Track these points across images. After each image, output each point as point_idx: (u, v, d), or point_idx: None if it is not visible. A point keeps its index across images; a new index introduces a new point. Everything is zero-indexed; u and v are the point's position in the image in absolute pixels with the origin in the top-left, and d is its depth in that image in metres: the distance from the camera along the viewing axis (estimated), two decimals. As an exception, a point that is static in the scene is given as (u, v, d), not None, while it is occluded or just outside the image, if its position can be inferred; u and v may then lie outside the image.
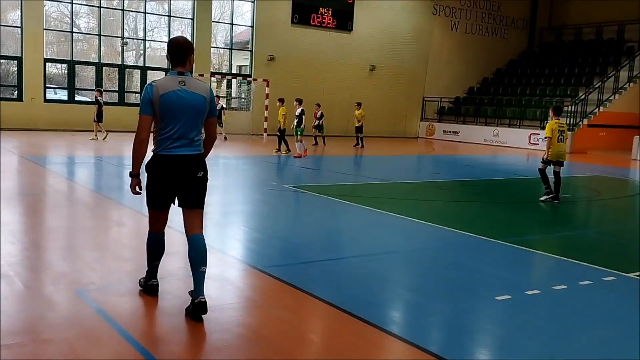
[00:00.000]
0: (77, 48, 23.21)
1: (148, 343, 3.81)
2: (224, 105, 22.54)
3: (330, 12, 26.45)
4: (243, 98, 26.33)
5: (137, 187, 4.33)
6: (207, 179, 4.35)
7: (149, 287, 4.58)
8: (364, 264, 5.94)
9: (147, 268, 4.60)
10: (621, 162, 20.15)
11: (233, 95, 27.00)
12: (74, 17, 22.88)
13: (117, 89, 23.67)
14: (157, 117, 4.18)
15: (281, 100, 17.47)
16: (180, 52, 4.26)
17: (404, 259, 6.35)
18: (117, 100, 23.17)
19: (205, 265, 4.21)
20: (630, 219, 9.98)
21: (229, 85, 26.79)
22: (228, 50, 26.53)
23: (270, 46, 25.43)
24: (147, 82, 4.56)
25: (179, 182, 4.24)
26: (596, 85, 25.57)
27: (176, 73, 4.24)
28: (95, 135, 18.38)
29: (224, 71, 26.43)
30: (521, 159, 20.34)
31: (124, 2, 23.36)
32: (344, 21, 26.93)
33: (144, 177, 4.35)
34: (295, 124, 16.60)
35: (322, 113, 20.58)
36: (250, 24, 25.53)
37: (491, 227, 8.28)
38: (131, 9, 24.02)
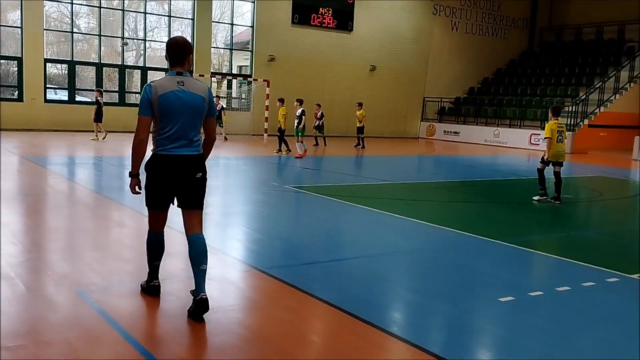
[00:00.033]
0: (77, 48, 23.21)
1: (149, 344, 3.81)
2: (225, 106, 22.54)
3: (330, 12, 26.45)
4: (243, 98, 26.32)
5: (136, 187, 4.35)
6: (206, 180, 4.35)
7: (150, 289, 4.57)
8: (365, 265, 5.94)
9: (148, 269, 4.59)
10: (622, 162, 20.14)
11: (233, 95, 26.99)
12: (74, 17, 22.88)
13: (117, 89, 23.67)
14: (156, 118, 4.19)
15: (281, 101, 17.46)
16: (178, 52, 4.26)
17: (405, 259, 6.35)
18: (117, 101, 23.18)
19: (206, 264, 4.21)
20: (632, 220, 9.97)
21: (229, 86, 26.79)
22: (228, 50, 26.52)
23: (270, 46, 25.43)
24: (147, 83, 4.55)
25: (177, 182, 4.24)
26: (597, 86, 25.55)
27: (175, 73, 4.24)
28: (96, 136, 18.39)
29: (224, 71, 26.42)
30: (522, 159, 20.33)
31: (124, 2, 23.36)
32: (344, 21, 26.92)
33: (143, 177, 4.35)
34: (296, 124, 16.60)
35: (322, 113, 20.58)
36: (250, 24, 25.52)
37: (492, 228, 8.27)
38: (131, 9, 24.02)
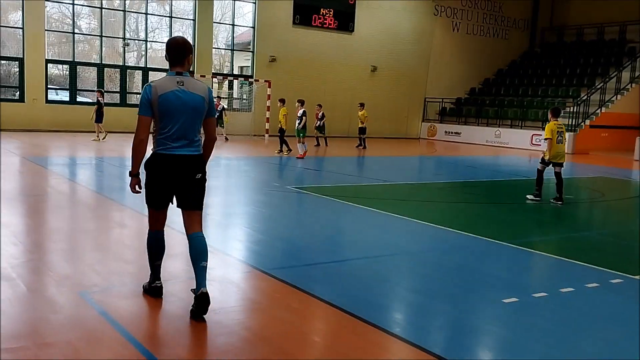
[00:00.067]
0: (79, 49, 23.21)
1: (151, 345, 3.80)
2: (226, 106, 22.53)
3: (331, 12, 26.45)
4: (244, 99, 26.33)
5: (136, 187, 4.35)
6: (205, 181, 4.35)
7: (153, 289, 4.56)
8: (367, 266, 5.92)
9: (149, 270, 4.58)
10: (623, 163, 20.11)
11: (234, 96, 26.99)
12: (75, 18, 22.89)
13: (118, 89, 23.67)
14: (156, 118, 4.20)
15: (282, 101, 17.46)
16: (178, 52, 4.26)
17: (407, 260, 6.33)
18: (118, 101, 23.19)
19: (206, 261, 4.21)
20: (634, 221, 9.93)
21: (230, 86, 26.79)
22: (229, 51, 26.53)
23: (271, 47, 25.43)
24: (147, 83, 4.55)
25: (177, 182, 4.24)
26: (598, 86, 25.53)
27: (174, 73, 4.24)
28: (97, 136, 18.40)
29: (225, 72, 26.43)
30: (523, 159, 20.30)
31: (125, 3, 23.37)
32: (345, 22, 26.92)
33: (143, 176, 4.35)
34: (296, 124, 16.60)
35: (323, 114, 20.58)
36: (251, 25, 25.52)
37: (494, 229, 8.25)
38: (132, 10, 24.03)
